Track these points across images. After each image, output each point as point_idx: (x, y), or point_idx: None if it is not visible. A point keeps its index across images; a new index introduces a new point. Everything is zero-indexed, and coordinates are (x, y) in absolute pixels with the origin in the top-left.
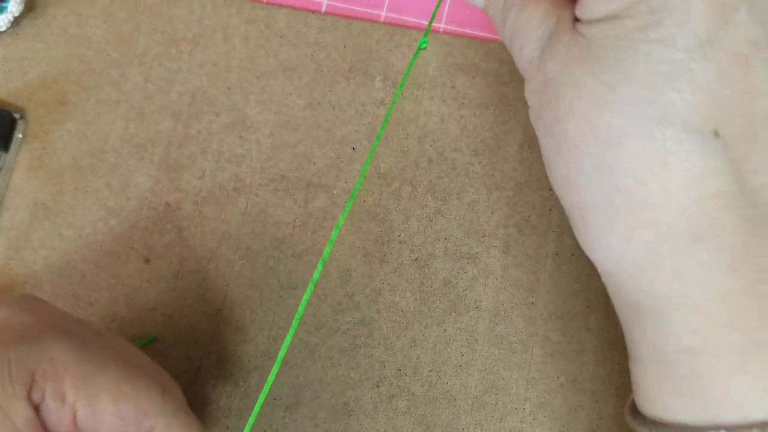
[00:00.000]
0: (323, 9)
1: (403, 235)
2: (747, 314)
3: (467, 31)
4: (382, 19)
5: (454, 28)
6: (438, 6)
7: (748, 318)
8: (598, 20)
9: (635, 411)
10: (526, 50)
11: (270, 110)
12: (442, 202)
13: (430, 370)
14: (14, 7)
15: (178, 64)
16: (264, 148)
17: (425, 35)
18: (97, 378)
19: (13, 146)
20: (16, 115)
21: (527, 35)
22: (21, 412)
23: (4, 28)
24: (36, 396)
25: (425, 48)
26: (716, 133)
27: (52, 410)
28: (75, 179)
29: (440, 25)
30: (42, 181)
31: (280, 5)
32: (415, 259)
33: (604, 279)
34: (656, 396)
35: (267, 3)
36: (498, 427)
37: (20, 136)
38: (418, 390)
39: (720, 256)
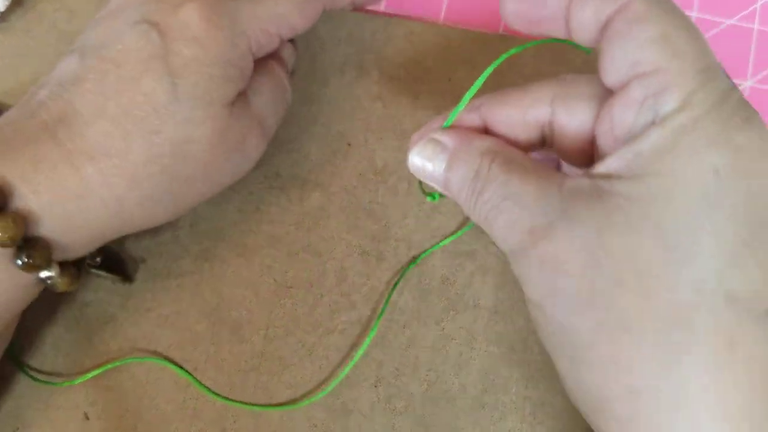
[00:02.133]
0: None
1: (400, 232)
2: None
3: (466, 23)
4: (383, 9)
5: (453, 19)
6: None
7: None
8: (646, 174)
9: None
10: (521, 220)
11: None
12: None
13: (429, 370)
14: (0, 3)
15: None
16: None
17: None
18: None
19: None
20: None
21: (522, 203)
22: None
23: None
24: None
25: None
26: None
27: None
28: None
29: (440, 16)
30: None
31: None
32: (413, 257)
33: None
34: None
35: None
36: (498, 427)
37: None
38: (416, 390)
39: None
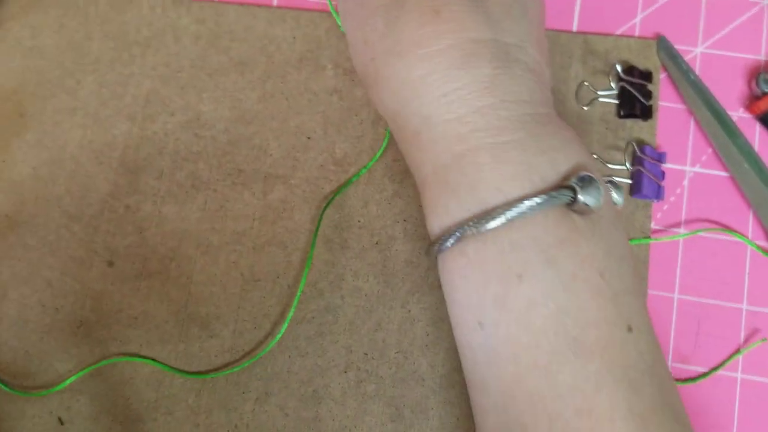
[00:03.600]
0: (274, 2)
1: (362, 220)
2: (497, 122)
3: None
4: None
5: None
6: None
7: (498, 125)
8: None
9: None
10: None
11: (224, 106)
12: (399, 184)
13: (397, 352)
14: None
15: (130, 68)
16: (220, 144)
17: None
18: None
19: None
20: None
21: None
22: None
23: None
24: None
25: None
26: None
27: None
28: (36, 189)
29: None
30: (4, 193)
31: (229, 2)
32: (376, 243)
33: (391, 126)
34: (439, 205)
35: (216, 1)
36: (469, 405)
37: None
38: (385, 372)
39: (477, 80)
